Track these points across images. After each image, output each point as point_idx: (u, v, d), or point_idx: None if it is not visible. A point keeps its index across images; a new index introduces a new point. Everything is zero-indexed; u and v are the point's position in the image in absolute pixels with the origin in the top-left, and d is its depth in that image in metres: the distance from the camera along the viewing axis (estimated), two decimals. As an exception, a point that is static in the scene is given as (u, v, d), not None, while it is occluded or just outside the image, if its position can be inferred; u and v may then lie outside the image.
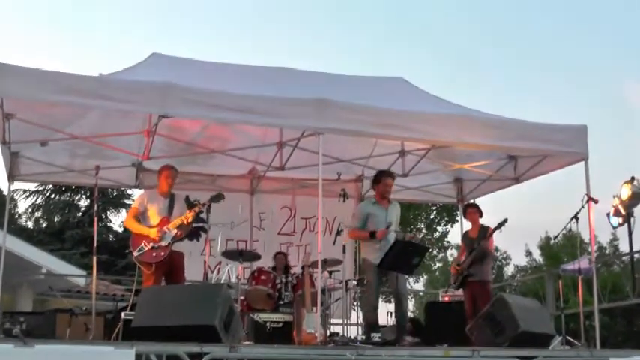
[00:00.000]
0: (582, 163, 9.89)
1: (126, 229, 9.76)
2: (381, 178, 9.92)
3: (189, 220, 9.20)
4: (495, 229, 10.55)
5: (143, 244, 9.10)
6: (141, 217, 9.38)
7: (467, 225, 11.32)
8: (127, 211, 10.63)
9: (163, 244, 9.10)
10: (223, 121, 9.72)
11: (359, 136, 9.70)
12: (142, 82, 8.75)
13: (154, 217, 9.30)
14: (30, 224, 37.87)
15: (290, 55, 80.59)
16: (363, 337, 9.71)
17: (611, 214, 11.83)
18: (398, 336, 9.32)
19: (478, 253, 10.58)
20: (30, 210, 37.28)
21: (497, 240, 10.84)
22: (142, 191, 11.67)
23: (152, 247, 9.08)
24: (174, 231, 9.16)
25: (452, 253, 42.23)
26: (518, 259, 53.83)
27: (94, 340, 8.61)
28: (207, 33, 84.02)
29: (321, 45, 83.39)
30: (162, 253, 9.08)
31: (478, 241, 10.63)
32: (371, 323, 9.49)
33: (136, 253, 9.13)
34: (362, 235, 9.76)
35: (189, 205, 9.64)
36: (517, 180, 11.78)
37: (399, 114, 9.35)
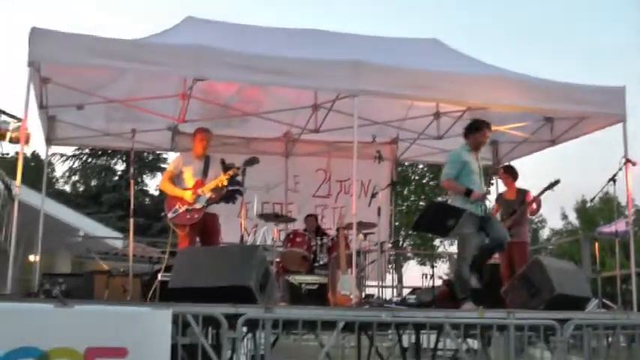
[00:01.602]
0: (620, 125, 9.75)
1: (161, 192, 9.85)
2: (483, 127, 9.27)
3: (224, 184, 9.24)
4: (547, 188, 10.43)
5: (177, 206, 9.18)
6: (176, 179, 9.45)
7: (501, 187, 11.27)
8: (162, 175, 10.71)
9: (197, 206, 9.16)
10: (258, 83, 9.73)
11: (393, 97, 9.64)
12: (177, 45, 8.77)
13: (189, 180, 9.35)
14: (67, 188, 38.36)
15: (324, 17, 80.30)
16: (398, 298, 9.68)
17: (649, 177, 11.68)
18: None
19: (520, 215, 10.54)
20: (67, 174, 37.76)
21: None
22: (177, 154, 11.72)
23: (186, 210, 9.15)
24: (209, 194, 9.21)
25: (487, 216, 42.14)
26: (554, 223, 53.56)
27: (132, 301, 8.71)
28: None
29: (355, 7, 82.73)
30: (196, 216, 9.14)
31: (519, 204, 10.58)
32: (465, 281, 8.85)
33: (170, 215, 9.21)
34: (458, 188, 9.06)
35: (225, 168, 9.66)
36: (554, 142, 11.63)
37: (434, 75, 9.28)
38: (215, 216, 9.49)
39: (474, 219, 8.93)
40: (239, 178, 9.28)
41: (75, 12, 76.07)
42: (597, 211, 39.79)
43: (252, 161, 9.24)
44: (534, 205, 10.72)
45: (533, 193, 10.66)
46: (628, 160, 9.46)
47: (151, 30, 9.98)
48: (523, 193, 10.71)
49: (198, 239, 9.31)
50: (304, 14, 76.42)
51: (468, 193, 8.93)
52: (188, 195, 9.17)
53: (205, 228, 9.31)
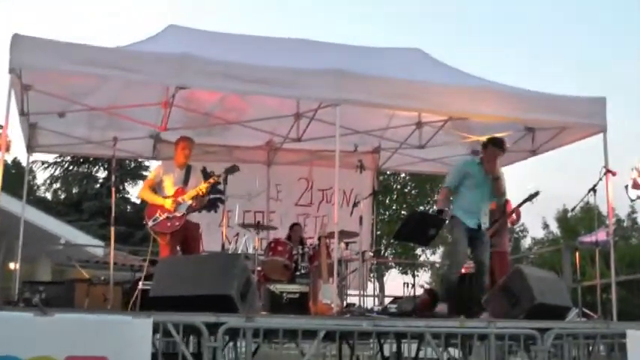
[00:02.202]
0: (601, 135, 9.80)
1: (143, 201, 9.83)
2: (489, 145, 9.56)
3: (204, 192, 9.23)
4: (527, 200, 10.45)
5: (158, 214, 9.17)
6: (157, 187, 9.45)
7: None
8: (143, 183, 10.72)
9: (178, 214, 9.16)
10: (240, 92, 9.72)
11: (375, 107, 9.67)
12: (159, 53, 8.74)
13: (170, 188, 9.35)
14: (48, 195, 38.22)
15: (309, 27, 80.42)
16: (379, 307, 9.67)
17: (629, 187, 11.75)
18: (474, 310, 8.90)
19: (501, 225, 10.57)
20: (48, 181, 37.62)
21: (514, 212, 10.81)
22: (159, 162, 11.70)
23: (167, 218, 9.14)
24: (189, 202, 9.20)
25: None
26: (536, 232, 53.70)
27: (112, 309, 8.68)
28: (224, 5, 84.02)
29: (340, 18, 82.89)
30: (177, 223, 9.14)
31: (500, 213, 10.61)
32: (450, 285, 9.05)
33: (150, 223, 9.20)
34: (440, 202, 9.39)
35: (206, 176, 9.67)
36: (535, 152, 11.69)
37: (415, 85, 9.30)
38: (196, 225, 9.50)
39: (464, 229, 9.02)
40: (220, 186, 9.28)
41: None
42: (578, 221, 39.97)
43: (232, 169, 9.25)
44: (514, 216, 10.76)
45: (514, 202, 10.69)
46: (608, 171, 9.50)
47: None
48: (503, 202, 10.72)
49: (178, 248, 9.29)
50: (292, 23, 76.26)
51: (438, 213, 9.21)
52: (168, 203, 9.16)
53: (186, 236, 9.30)
